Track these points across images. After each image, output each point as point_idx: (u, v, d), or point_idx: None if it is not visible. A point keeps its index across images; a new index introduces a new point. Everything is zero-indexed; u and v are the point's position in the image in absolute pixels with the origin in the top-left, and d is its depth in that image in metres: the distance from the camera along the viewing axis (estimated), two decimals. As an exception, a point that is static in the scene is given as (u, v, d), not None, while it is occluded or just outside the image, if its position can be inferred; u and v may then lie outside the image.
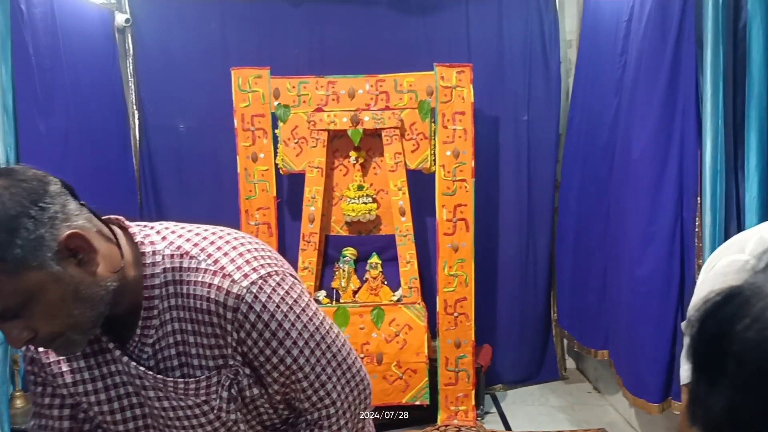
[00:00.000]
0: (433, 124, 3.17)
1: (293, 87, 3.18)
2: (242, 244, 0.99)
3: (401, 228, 3.21)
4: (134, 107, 3.53)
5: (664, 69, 2.41)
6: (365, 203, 3.24)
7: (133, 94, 3.53)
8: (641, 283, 2.63)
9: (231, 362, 0.97)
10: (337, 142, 3.27)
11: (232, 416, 1.02)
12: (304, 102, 3.18)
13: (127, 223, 0.98)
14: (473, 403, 3.22)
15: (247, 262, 0.96)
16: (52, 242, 0.82)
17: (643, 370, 2.61)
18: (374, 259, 3.31)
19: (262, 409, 1.04)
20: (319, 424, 1.03)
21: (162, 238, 0.97)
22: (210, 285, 0.93)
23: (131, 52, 3.50)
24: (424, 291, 3.26)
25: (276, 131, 3.21)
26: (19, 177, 0.83)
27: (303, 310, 0.99)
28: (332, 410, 1.03)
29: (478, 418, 3.23)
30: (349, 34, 3.53)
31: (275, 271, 0.97)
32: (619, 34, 2.83)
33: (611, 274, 3.03)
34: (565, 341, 3.73)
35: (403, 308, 3.15)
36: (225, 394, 0.99)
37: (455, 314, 3.21)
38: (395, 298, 3.22)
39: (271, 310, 0.94)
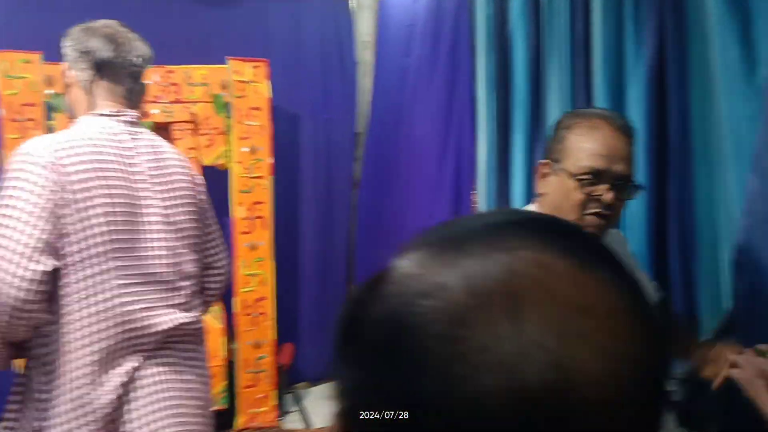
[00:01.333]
0: (228, 119, 3.08)
1: (70, 75, 2.90)
2: (62, 138, 1.41)
3: (196, 227, 3.07)
4: None
5: (442, 74, 2.57)
6: (156, 201, 3.06)
7: None
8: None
9: None
10: (123, 136, 3.04)
11: None
12: (84, 91, 2.91)
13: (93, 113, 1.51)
14: (274, 403, 3.19)
15: (32, 142, 1.37)
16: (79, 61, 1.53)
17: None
18: (167, 261, 3.13)
19: None
20: None
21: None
22: None
23: None
24: (221, 292, 3.15)
25: (51, 122, 2.91)
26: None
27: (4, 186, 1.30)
28: None
29: (279, 418, 3.20)
30: (137, 23, 3.27)
31: (23, 158, 1.32)
32: (404, 37, 2.97)
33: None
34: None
35: (199, 311, 3.02)
36: None
37: (254, 314, 3.15)
38: (190, 301, 3.07)
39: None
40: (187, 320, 1.47)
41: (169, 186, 1.51)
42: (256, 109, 3.08)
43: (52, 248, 1.28)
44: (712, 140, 1.62)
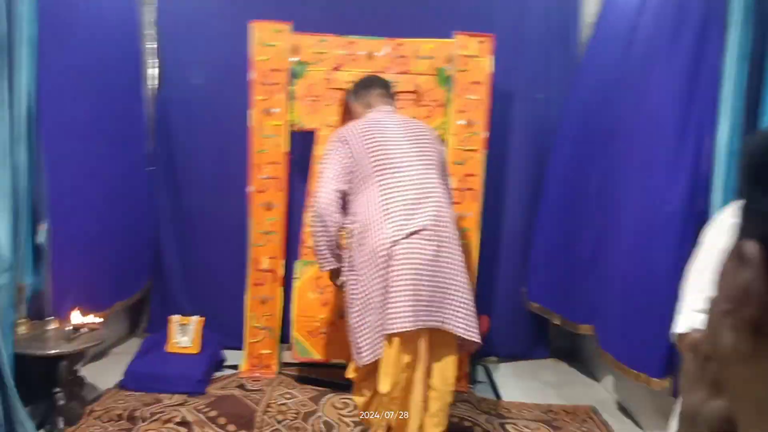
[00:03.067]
0: (448, 93, 3.18)
1: (313, 44, 3.18)
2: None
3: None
4: (153, 56, 3.53)
5: (685, 48, 2.44)
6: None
7: (156, 42, 3.54)
8: (639, 255, 2.66)
9: None
10: (353, 103, 3.27)
11: None
12: (322, 60, 3.18)
13: None
14: (466, 371, 3.26)
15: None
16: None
17: (642, 344, 2.64)
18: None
19: None
20: None
21: None
22: None
23: (152, -1, 3.51)
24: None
25: (291, 87, 3.21)
26: None
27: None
28: None
29: (470, 386, 3.28)
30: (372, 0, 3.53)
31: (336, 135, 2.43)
32: (632, 12, 2.86)
33: (602, 247, 3.07)
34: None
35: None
36: None
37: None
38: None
39: None
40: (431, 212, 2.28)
41: (418, 139, 2.40)
42: (477, 83, 3.15)
43: (343, 179, 2.33)
44: None
